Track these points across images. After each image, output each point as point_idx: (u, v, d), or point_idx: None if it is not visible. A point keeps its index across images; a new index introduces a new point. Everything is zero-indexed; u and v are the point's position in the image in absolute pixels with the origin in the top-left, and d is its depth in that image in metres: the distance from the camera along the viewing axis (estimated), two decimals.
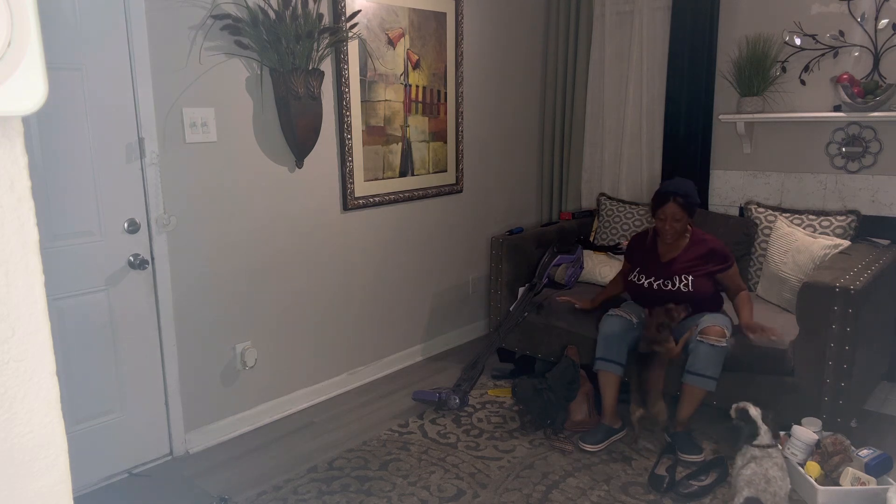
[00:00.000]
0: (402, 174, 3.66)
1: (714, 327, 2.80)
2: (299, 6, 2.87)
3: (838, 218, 3.39)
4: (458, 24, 3.81)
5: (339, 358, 3.51)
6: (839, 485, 2.42)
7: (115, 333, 2.65)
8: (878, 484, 2.40)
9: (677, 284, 2.95)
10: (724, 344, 2.78)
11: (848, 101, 3.35)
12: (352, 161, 3.35)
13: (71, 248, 2.49)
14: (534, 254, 3.78)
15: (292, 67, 2.87)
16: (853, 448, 2.53)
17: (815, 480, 2.43)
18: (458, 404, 3.22)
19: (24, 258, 0.68)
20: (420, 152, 3.74)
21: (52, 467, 0.73)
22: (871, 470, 2.43)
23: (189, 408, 2.91)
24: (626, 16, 4.14)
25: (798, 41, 3.56)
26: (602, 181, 4.38)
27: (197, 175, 2.80)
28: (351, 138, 3.33)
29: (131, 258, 2.65)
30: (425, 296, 3.96)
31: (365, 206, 3.48)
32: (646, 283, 3.03)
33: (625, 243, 3.70)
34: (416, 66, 3.63)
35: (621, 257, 3.44)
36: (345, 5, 3.15)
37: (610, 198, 4.17)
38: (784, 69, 3.66)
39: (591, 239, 4.09)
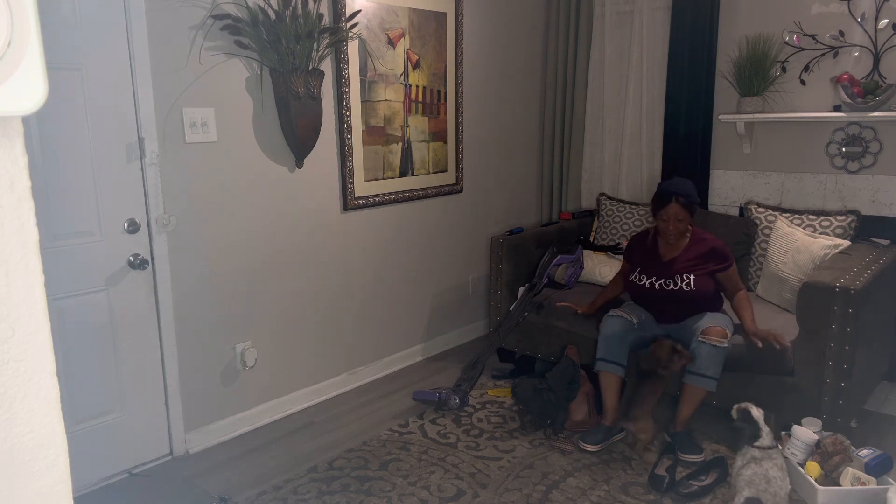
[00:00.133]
0: (402, 174, 3.66)
1: (715, 328, 2.80)
2: (299, 6, 2.87)
3: (838, 218, 3.39)
4: (458, 24, 3.81)
5: (339, 358, 3.52)
6: (839, 485, 2.42)
7: (115, 333, 2.65)
8: (878, 484, 2.40)
9: (679, 284, 2.95)
10: (726, 344, 2.78)
11: (848, 101, 3.35)
12: (352, 161, 3.35)
13: (71, 248, 2.49)
14: (534, 254, 3.78)
15: (292, 67, 2.87)
16: (853, 448, 2.53)
17: (815, 480, 2.43)
18: (458, 404, 3.22)
19: (24, 258, 0.68)
20: (420, 152, 3.74)
21: (52, 467, 0.73)
22: (871, 470, 2.43)
23: (189, 408, 2.91)
24: (626, 16, 4.14)
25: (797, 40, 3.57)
26: (602, 181, 4.38)
27: (197, 175, 2.80)
28: (351, 138, 3.33)
29: (131, 258, 2.65)
30: (425, 296, 3.96)
31: (365, 206, 3.48)
32: (647, 283, 3.03)
33: (625, 243, 3.69)
34: (416, 66, 3.63)
35: (621, 257, 3.44)
36: (345, 5, 3.15)
37: (610, 198, 4.17)
38: (784, 69, 3.66)
39: (591, 239, 4.09)
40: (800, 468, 2.51)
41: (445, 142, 3.88)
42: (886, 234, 3.38)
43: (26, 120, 0.79)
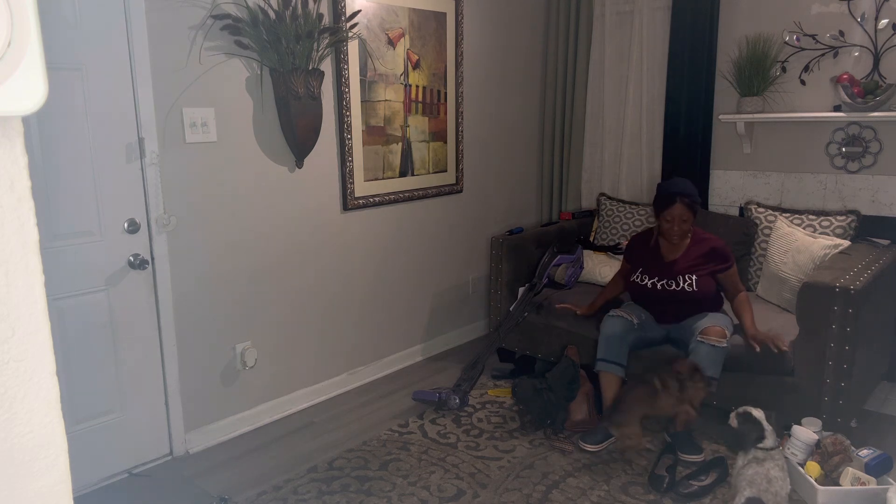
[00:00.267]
0: (402, 174, 3.66)
1: (714, 327, 2.80)
2: (299, 6, 2.87)
3: (838, 218, 3.39)
4: (458, 24, 3.81)
5: (339, 358, 3.52)
6: (839, 485, 2.42)
7: (115, 333, 2.65)
8: (878, 484, 2.40)
9: (681, 284, 2.96)
10: (725, 344, 2.78)
11: (848, 101, 3.35)
12: (352, 161, 3.35)
13: (71, 248, 2.49)
14: (534, 254, 3.78)
15: (292, 67, 2.87)
16: (853, 448, 2.52)
17: (815, 480, 2.43)
18: (458, 404, 3.22)
19: (24, 258, 0.68)
20: (420, 152, 3.74)
21: (52, 467, 0.73)
22: (871, 470, 2.43)
23: (189, 408, 2.91)
24: (626, 16, 4.14)
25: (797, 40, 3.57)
26: (602, 181, 4.38)
27: (197, 175, 2.80)
28: (351, 138, 3.33)
29: (131, 258, 2.65)
30: (425, 296, 3.96)
31: (365, 206, 3.48)
32: (649, 283, 3.03)
33: (625, 243, 3.69)
34: (416, 66, 3.63)
35: (621, 257, 3.44)
36: (345, 5, 3.15)
37: (610, 198, 4.17)
38: (784, 69, 3.66)
39: (591, 239, 4.09)
40: (800, 468, 2.51)
41: (445, 142, 3.88)
42: (886, 234, 3.38)
43: (26, 120, 0.79)
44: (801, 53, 3.59)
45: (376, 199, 3.53)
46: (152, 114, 2.62)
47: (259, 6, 2.77)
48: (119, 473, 2.74)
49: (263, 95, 2.95)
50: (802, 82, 3.63)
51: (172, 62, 2.66)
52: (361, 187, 3.44)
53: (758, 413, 2.36)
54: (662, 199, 2.95)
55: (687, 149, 3.95)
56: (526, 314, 3.55)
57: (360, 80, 3.33)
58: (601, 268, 3.75)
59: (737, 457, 2.42)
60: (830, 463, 2.48)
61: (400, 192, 3.65)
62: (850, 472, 2.41)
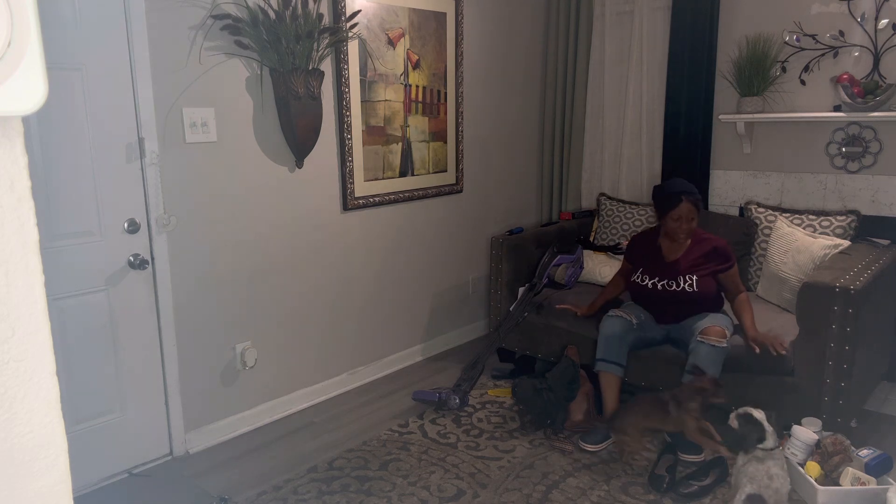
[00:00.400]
0: (402, 174, 3.66)
1: (714, 327, 2.80)
2: (299, 6, 2.87)
3: (838, 218, 3.39)
4: (458, 24, 3.81)
5: (339, 358, 3.51)
6: (839, 485, 2.42)
7: (115, 333, 2.65)
8: (878, 484, 2.40)
9: (682, 284, 2.96)
10: (725, 345, 2.78)
11: (848, 101, 3.35)
12: (352, 161, 3.35)
13: (71, 248, 2.49)
14: (534, 254, 3.78)
15: (292, 67, 2.87)
16: (853, 448, 2.52)
17: (815, 480, 2.43)
18: (458, 404, 3.22)
19: (24, 258, 0.68)
20: (420, 152, 3.74)
21: (52, 467, 0.73)
22: (871, 470, 2.43)
23: (189, 408, 2.91)
24: (626, 16, 4.14)
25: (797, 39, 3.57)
26: (602, 181, 4.38)
27: (197, 175, 2.80)
28: (351, 138, 3.33)
29: (131, 258, 2.65)
30: (425, 296, 3.96)
31: (365, 206, 3.48)
32: (650, 283, 3.03)
33: (625, 243, 3.69)
34: (416, 66, 3.63)
35: (621, 257, 3.44)
36: (345, 5, 3.15)
37: (610, 198, 4.17)
38: (784, 69, 3.66)
39: (591, 239, 4.09)
40: (800, 468, 2.51)
41: (445, 142, 3.88)
42: (886, 234, 3.38)
43: (26, 120, 0.79)
44: (801, 53, 3.59)
45: (376, 199, 3.53)
46: (152, 114, 2.62)
47: (259, 6, 2.77)
48: (119, 473, 2.74)
49: (263, 95, 2.95)
50: (802, 82, 3.63)
51: (172, 62, 2.66)
52: (361, 187, 3.44)
53: (758, 414, 2.36)
54: (668, 199, 2.94)
55: (687, 149, 3.95)
56: (526, 314, 3.55)
57: (360, 80, 3.33)
58: (601, 268, 3.75)
59: (737, 457, 2.41)
60: (830, 463, 2.48)
61: (400, 192, 3.65)
62: (850, 472, 2.41)
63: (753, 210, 3.66)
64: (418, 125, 3.70)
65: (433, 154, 3.83)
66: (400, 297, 3.79)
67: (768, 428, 2.34)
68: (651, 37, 4.04)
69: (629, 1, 4.09)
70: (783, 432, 2.67)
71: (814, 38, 3.53)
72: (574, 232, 4.09)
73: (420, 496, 2.55)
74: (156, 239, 2.71)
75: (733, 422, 2.40)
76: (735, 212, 3.87)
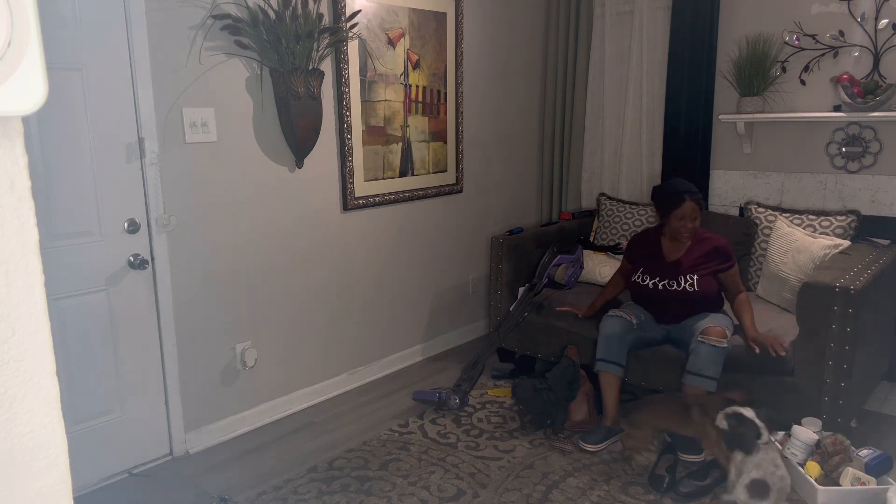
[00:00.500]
0: (402, 174, 3.66)
1: (715, 328, 2.80)
2: (299, 6, 2.87)
3: (838, 218, 3.39)
4: (458, 24, 3.81)
5: (339, 358, 3.51)
6: (839, 485, 2.42)
7: (115, 333, 2.65)
8: (878, 484, 2.40)
9: (683, 284, 2.95)
10: (726, 345, 2.78)
11: (848, 101, 3.35)
12: (352, 161, 3.35)
13: (71, 248, 2.49)
14: (534, 254, 3.78)
15: (292, 67, 2.87)
16: (853, 448, 2.53)
17: (815, 480, 2.43)
18: (458, 404, 3.22)
19: (24, 258, 0.68)
20: (420, 152, 3.74)
21: (52, 467, 0.73)
22: (871, 470, 2.43)
23: (189, 408, 2.91)
24: (626, 16, 4.14)
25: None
26: (602, 181, 4.38)
27: (197, 175, 2.80)
28: (351, 138, 3.33)
29: (131, 258, 2.65)
30: (425, 296, 3.96)
31: (365, 206, 3.48)
32: (650, 283, 3.03)
33: (625, 243, 3.69)
34: (416, 66, 3.63)
35: (621, 257, 3.44)
36: (345, 5, 3.15)
37: (610, 198, 4.17)
38: (784, 69, 3.66)
39: (591, 239, 4.09)
40: (800, 468, 2.51)
41: (445, 142, 3.88)
42: (886, 234, 3.38)
43: (26, 120, 0.79)
44: (801, 53, 3.59)
45: (376, 199, 3.53)
46: (152, 114, 2.62)
47: (259, 6, 2.77)
48: (119, 473, 2.74)
49: (263, 95, 2.95)
50: (802, 82, 3.63)
51: (172, 62, 2.66)
52: (361, 187, 3.44)
53: (748, 412, 2.37)
54: (671, 199, 2.94)
55: (687, 149, 3.95)
56: (526, 314, 3.55)
57: (360, 80, 3.33)
58: (601, 268, 3.75)
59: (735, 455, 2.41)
60: (830, 463, 2.48)
61: (400, 192, 3.65)
62: (850, 472, 2.41)
63: (753, 210, 3.66)
64: (418, 125, 3.70)
65: (433, 154, 3.83)
66: (400, 297, 3.79)
67: (761, 424, 2.35)
68: (651, 37, 4.04)
69: (629, 1, 4.09)
70: (781, 431, 2.67)
71: (814, 38, 3.53)
72: (574, 232, 4.09)
73: (420, 496, 2.55)
74: (156, 239, 2.71)
75: (722, 423, 2.40)
76: (735, 212, 3.88)
